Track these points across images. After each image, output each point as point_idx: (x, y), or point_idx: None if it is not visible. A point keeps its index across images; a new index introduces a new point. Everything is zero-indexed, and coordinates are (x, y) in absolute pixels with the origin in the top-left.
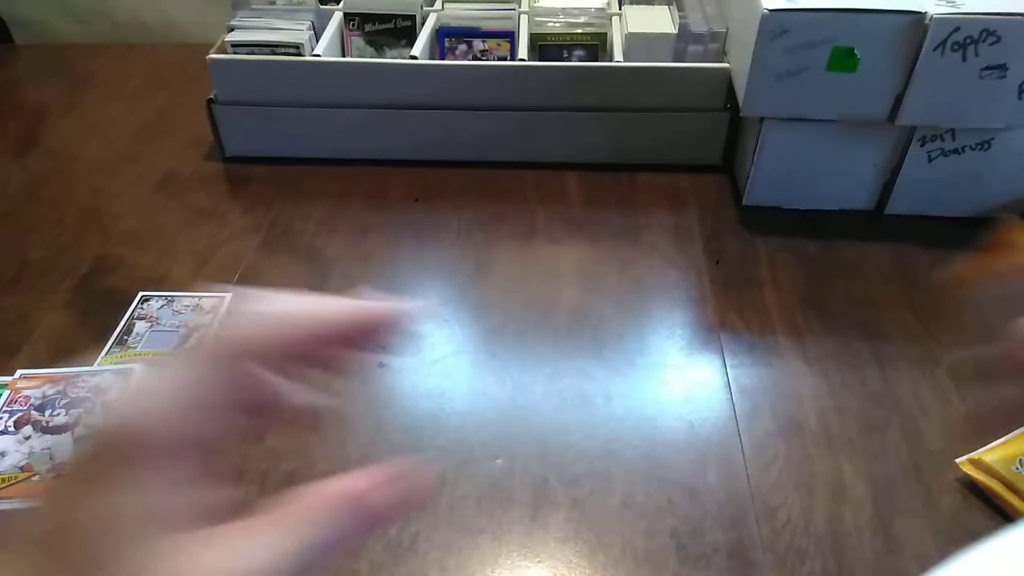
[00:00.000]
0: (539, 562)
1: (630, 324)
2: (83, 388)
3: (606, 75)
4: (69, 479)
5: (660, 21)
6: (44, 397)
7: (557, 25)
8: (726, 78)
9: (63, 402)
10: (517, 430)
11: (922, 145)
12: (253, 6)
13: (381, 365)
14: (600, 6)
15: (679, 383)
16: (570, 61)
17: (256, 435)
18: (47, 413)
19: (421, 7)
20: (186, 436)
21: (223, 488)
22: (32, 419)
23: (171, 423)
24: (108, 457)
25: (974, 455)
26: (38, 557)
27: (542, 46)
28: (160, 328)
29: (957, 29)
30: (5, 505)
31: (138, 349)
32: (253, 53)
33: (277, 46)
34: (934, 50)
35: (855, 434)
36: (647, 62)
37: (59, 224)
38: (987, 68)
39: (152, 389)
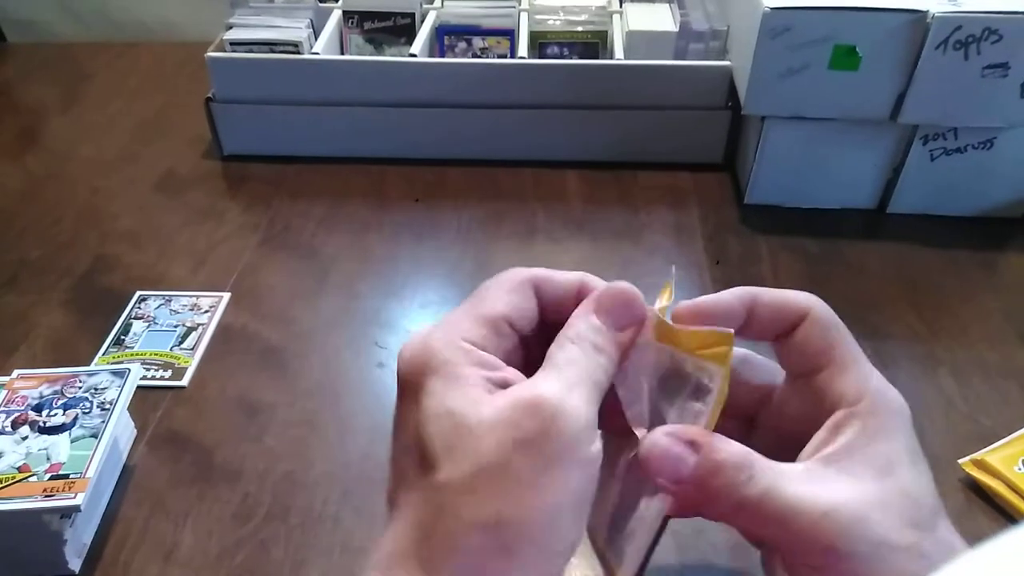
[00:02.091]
0: None
1: None
2: (80, 388)
3: (607, 73)
4: None
5: (661, 19)
6: (41, 397)
7: (557, 23)
8: (727, 76)
9: (60, 402)
10: None
11: (924, 144)
12: (251, 4)
13: (380, 365)
14: (601, 4)
15: None
16: (564, 59)
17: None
18: (44, 413)
19: (420, 5)
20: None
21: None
22: (29, 419)
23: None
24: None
25: (977, 455)
26: None
27: (542, 44)
28: (158, 328)
29: (959, 28)
30: (2, 506)
31: (136, 349)
32: (251, 51)
33: (276, 44)
34: (936, 48)
35: None
36: (648, 60)
37: (57, 223)
38: (989, 67)
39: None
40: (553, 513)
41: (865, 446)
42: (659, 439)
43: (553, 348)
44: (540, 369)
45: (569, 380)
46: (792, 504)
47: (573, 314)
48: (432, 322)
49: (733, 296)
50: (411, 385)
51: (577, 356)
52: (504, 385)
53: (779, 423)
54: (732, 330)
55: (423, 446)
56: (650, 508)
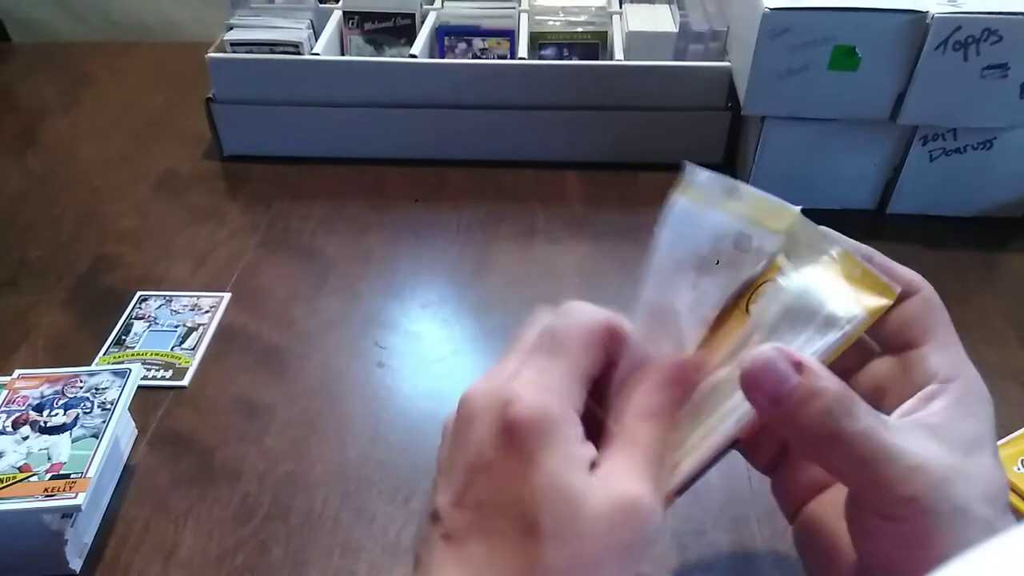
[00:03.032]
0: None
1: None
2: (81, 388)
3: (606, 74)
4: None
5: (661, 20)
6: (42, 397)
7: (557, 24)
8: (727, 77)
9: (61, 402)
10: None
11: (924, 144)
12: (252, 4)
13: (380, 365)
14: (600, 4)
15: None
16: (564, 60)
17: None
18: (45, 413)
19: (420, 5)
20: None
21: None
22: (30, 419)
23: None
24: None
25: None
26: None
27: (542, 45)
28: (158, 328)
29: (958, 28)
30: (3, 506)
31: (136, 349)
32: (252, 52)
33: (276, 45)
34: (935, 49)
35: None
36: (648, 61)
37: (57, 223)
38: (988, 67)
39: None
40: None
41: (957, 420)
42: (766, 350)
43: (632, 420)
44: (622, 444)
45: (652, 470)
46: (887, 449)
47: (645, 383)
48: (439, 323)
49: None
50: (524, 449)
51: (654, 435)
52: (592, 462)
53: (863, 388)
54: (899, 288)
55: (532, 515)
56: (724, 423)
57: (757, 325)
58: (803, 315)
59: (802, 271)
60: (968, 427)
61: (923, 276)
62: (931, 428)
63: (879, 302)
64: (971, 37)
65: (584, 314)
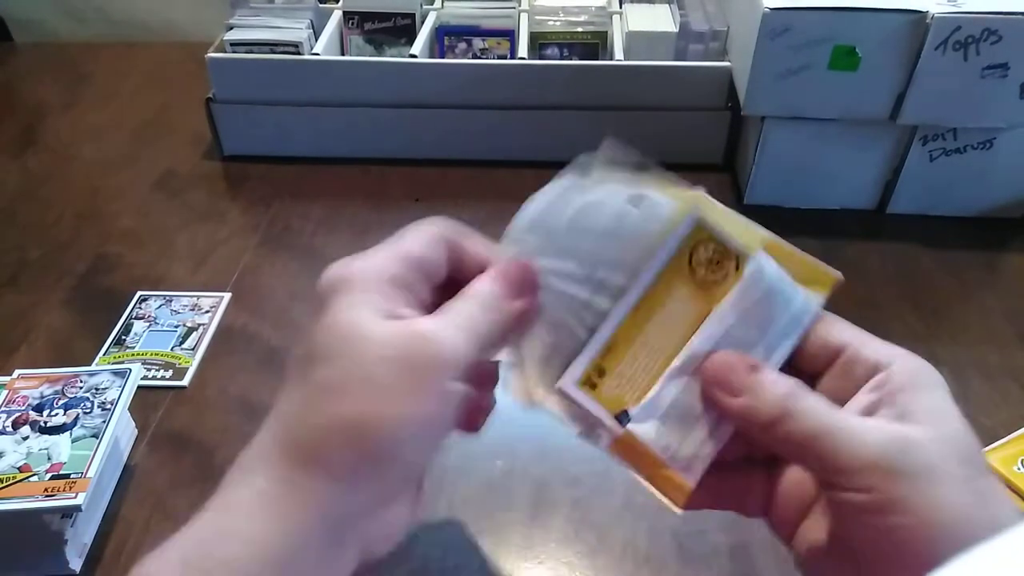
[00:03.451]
0: (539, 563)
1: None
2: (81, 388)
3: (606, 74)
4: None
5: (661, 20)
6: (42, 397)
7: (557, 24)
8: (727, 77)
9: (61, 402)
10: (517, 431)
11: (924, 144)
12: (252, 4)
13: None
14: (600, 4)
15: None
16: (564, 60)
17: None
18: (45, 413)
19: (420, 5)
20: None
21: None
22: (30, 419)
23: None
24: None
25: None
26: None
27: (542, 44)
28: (158, 328)
29: (958, 28)
30: (3, 506)
31: (136, 348)
32: (252, 52)
33: (276, 45)
34: (935, 49)
35: None
36: (648, 61)
37: (57, 223)
38: (988, 67)
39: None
40: (408, 430)
41: (912, 395)
42: (723, 354)
43: (451, 300)
44: (438, 312)
45: (455, 323)
46: (839, 422)
47: (477, 277)
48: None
49: None
50: (323, 304)
51: (469, 309)
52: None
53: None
54: (840, 274)
55: (311, 349)
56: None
57: (737, 305)
58: (782, 301)
59: (766, 259)
60: (927, 400)
61: (923, 276)
62: (887, 410)
63: (830, 280)
64: (971, 37)
65: (428, 221)
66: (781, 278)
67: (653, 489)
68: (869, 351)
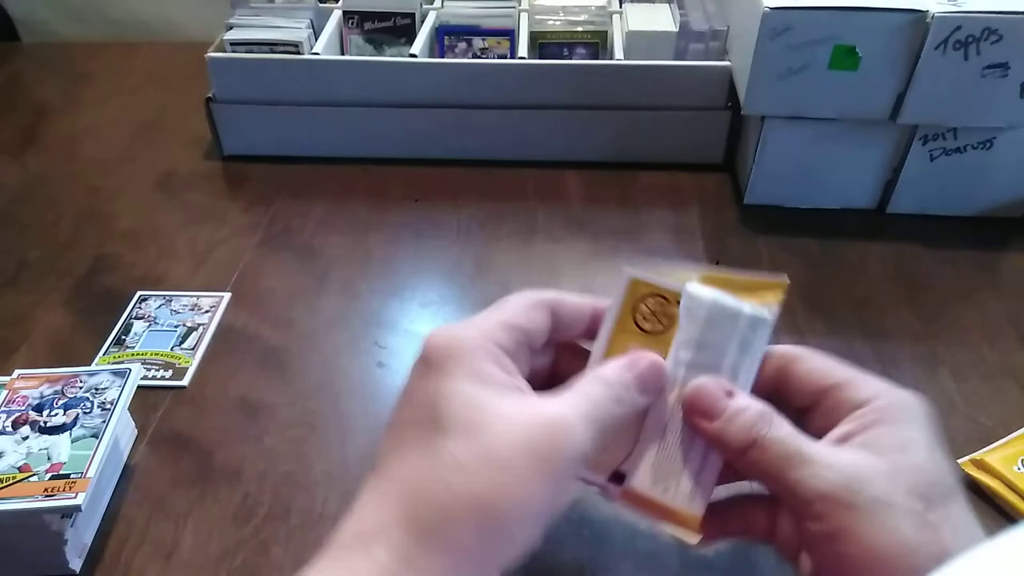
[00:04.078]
0: (539, 563)
1: None
2: (81, 388)
3: (607, 73)
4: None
5: (661, 19)
6: (42, 397)
7: (557, 23)
8: (727, 76)
9: (61, 402)
10: None
11: (924, 144)
12: (252, 4)
13: (380, 365)
14: (600, 4)
15: None
16: (564, 59)
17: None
18: (45, 413)
19: (420, 5)
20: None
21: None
22: (30, 419)
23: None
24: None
25: (976, 455)
26: None
27: (542, 44)
28: (158, 328)
29: (959, 28)
30: (2, 506)
31: (136, 349)
32: (252, 51)
33: (276, 44)
34: (936, 49)
35: None
36: (648, 60)
37: (57, 223)
38: (989, 67)
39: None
40: (533, 516)
41: (883, 428)
42: (704, 381)
43: (580, 379)
44: (561, 388)
45: (585, 412)
46: (803, 452)
47: (612, 363)
48: (440, 322)
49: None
50: (433, 366)
51: (599, 395)
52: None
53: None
54: (785, 277)
55: (438, 415)
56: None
57: (687, 338)
58: (727, 318)
59: (697, 287)
60: (896, 432)
61: (923, 276)
62: (855, 440)
63: (778, 288)
64: (971, 36)
65: (526, 291)
66: (718, 298)
67: (668, 528)
68: (860, 387)
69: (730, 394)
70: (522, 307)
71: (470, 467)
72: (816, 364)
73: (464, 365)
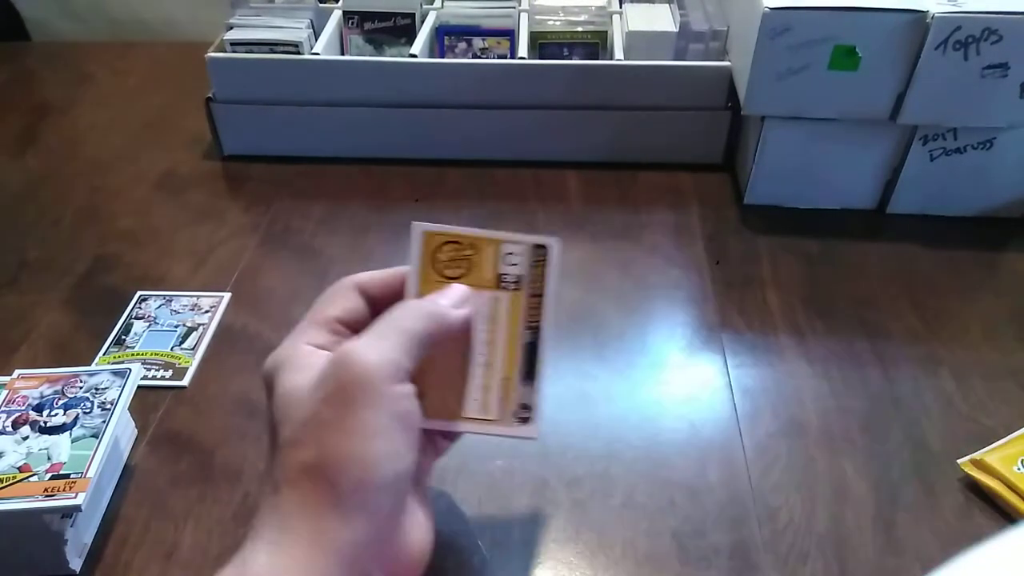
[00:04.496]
0: (539, 563)
1: (631, 324)
2: (81, 388)
3: (606, 73)
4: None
5: (661, 19)
6: (42, 397)
7: (557, 23)
8: (727, 76)
9: (61, 402)
10: None
11: (924, 144)
12: (252, 4)
13: None
14: (600, 4)
15: (680, 383)
16: (564, 59)
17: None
18: (45, 413)
19: (420, 5)
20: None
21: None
22: (30, 419)
23: None
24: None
25: (976, 455)
26: None
27: (542, 44)
28: (158, 328)
29: (959, 28)
30: (2, 506)
31: (136, 348)
32: (252, 51)
33: (276, 44)
34: (936, 49)
35: (857, 434)
36: (648, 60)
37: (57, 223)
38: (989, 67)
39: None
40: (364, 448)
41: None
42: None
43: (379, 320)
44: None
45: (378, 333)
46: None
47: (407, 303)
48: None
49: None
50: (268, 388)
51: (391, 315)
52: None
53: None
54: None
55: (273, 427)
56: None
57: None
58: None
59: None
60: None
61: (923, 276)
62: None
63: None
64: (971, 37)
65: (337, 282)
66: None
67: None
68: None
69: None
70: (331, 302)
71: (292, 442)
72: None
73: (283, 370)
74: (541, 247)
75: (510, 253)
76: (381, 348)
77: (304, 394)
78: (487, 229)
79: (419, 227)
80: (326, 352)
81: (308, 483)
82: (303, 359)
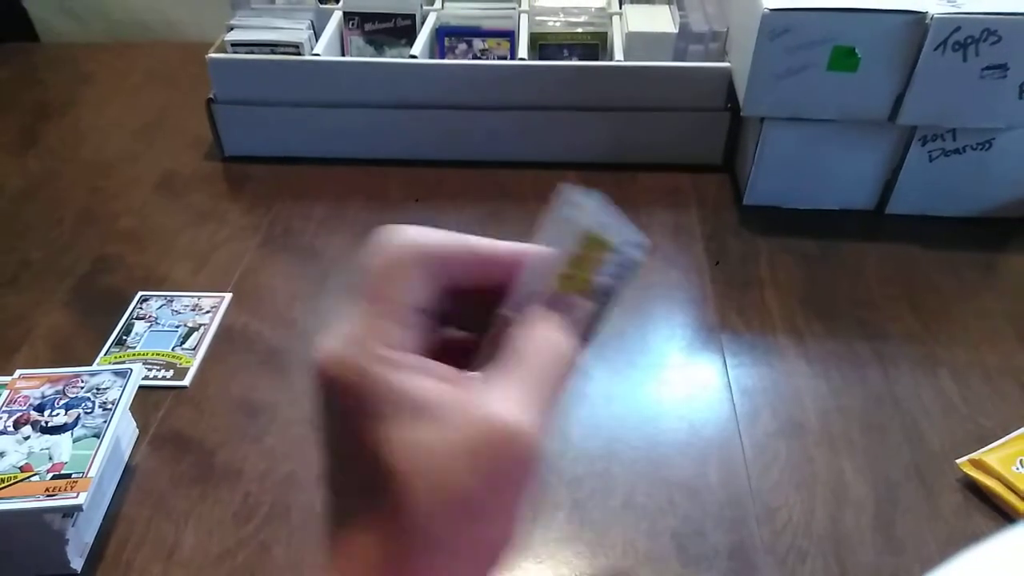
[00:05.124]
0: (540, 562)
1: (631, 324)
2: (82, 388)
3: (606, 74)
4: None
5: (660, 20)
6: (43, 397)
7: (557, 24)
8: (727, 77)
9: (62, 402)
10: None
11: (923, 145)
12: (252, 5)
13: None
14: (600, 5)
15: (680, 383)
16: (564, 60)
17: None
18: (46, 413)
19: (421, 6)
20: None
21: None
22: (31, 419)
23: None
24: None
25: (975, 455)
26: None
27: (542, 45)
28: (159, 328)
29: (958, 29)
30: (4, 505)
31: (137, 349)
32: (252, 52)
33: (276, 45)
34: (935, 50)
35: (856, 434)
36: (647, 61)
37: (58, 224)
38: (988, 68)
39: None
40: (511, 531)
41: None
42: None
43: (512, 356)
44: (497, 361)
45: (530, 388)
46: None
47: (536, 325)
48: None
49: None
50: (350, 413)
51: (536, 354)
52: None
53: None
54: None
55: (385, 474)
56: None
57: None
58: None
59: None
60: None
61: (922, 276)
62: None
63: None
64: (970, 37)
65: (389, 245)
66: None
67: None
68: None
69: None
70: (394, 276)
71: (437, 516)
72: None
73: (377, 395)
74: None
75: (611, 262)
76: (536, 417)
77: (446, 461)
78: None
79: (585, 226)
80: (440, 386)
81: (454, 565)
82: (405, 381)
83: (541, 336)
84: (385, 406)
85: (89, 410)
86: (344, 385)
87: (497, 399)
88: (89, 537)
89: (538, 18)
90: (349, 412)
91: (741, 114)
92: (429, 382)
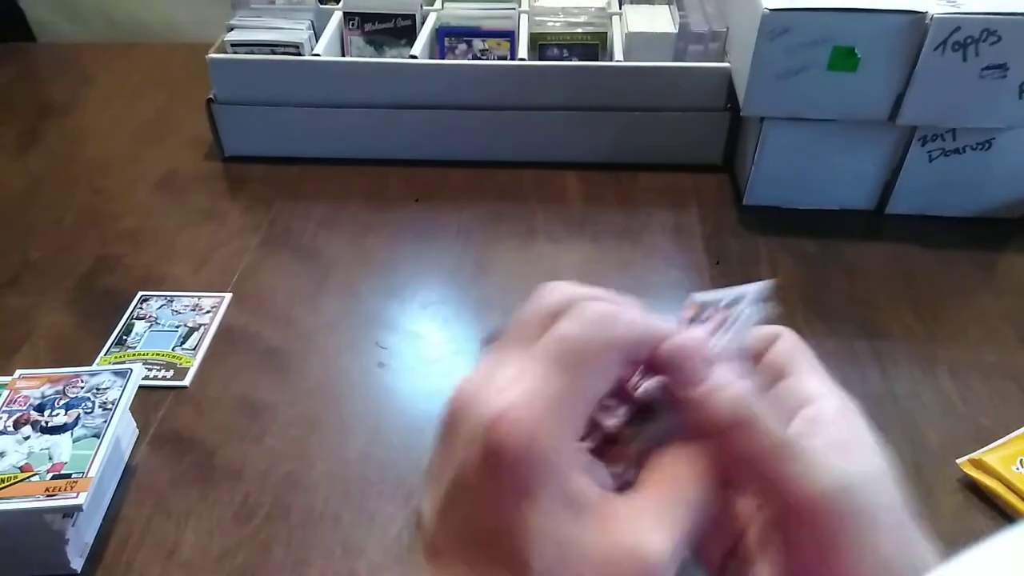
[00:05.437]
0: None
1: None
2: (83, 388)
3: (606, 74)
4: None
5: (660, 20)
6: (43, 397)
7: (557, 24)
8: (727, 77)
9: (62, 402)
10: None
11: (923, 145)
12: (252, 5)
13: (381, 365)
14: (600, 5)
15: None
16: (564, 60)
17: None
18: (46, 413)
19: (421, 7)
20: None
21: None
22: (31, 419)
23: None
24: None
25: (975, 455)
26: None
27: (542, 45)
28: (159, 328)
29: (958, 29)
30: (4, 505)
31: (137, 349)
32: (252, 53)
33: (276, 46)
34: (935, 50)
35: None
36: (647, 61)
37: (59, 224)
38: (987, 68)
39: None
40: None
41: (831, 426)
42: (689, 339)
43: (659, 487)
44: (645, 485)
45: (675, 533)
46: (790, 442)
47: (686, 453)
48: (440, 323)
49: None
50: (508, 480)
51: (688, 510)
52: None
53: None
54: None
55: (521, 557)
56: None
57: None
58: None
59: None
60: (856, 435)
61: (922, 276)
62: (818, 437)
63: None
64: (970, 38)
65: (612, 327)
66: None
67: None
68: (804, 385)
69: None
70: (607, 369)
71: None
72: (783, 346)
73: (549, 489)
74: None
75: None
76: (673, 549)
77: (577, 567)
78: None
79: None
80: (604, 496)
81: None
82: (574, 484)
83: (691, 458)
84: (547, 502)
85: (89, 410)
86: (516, 458)
87: (646, 528)
88: (89, 537)
89: (538, 18)
90: (505, 484)
91: (741, 114)
92: (595, 489)
